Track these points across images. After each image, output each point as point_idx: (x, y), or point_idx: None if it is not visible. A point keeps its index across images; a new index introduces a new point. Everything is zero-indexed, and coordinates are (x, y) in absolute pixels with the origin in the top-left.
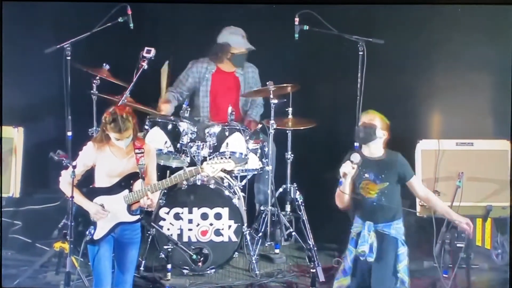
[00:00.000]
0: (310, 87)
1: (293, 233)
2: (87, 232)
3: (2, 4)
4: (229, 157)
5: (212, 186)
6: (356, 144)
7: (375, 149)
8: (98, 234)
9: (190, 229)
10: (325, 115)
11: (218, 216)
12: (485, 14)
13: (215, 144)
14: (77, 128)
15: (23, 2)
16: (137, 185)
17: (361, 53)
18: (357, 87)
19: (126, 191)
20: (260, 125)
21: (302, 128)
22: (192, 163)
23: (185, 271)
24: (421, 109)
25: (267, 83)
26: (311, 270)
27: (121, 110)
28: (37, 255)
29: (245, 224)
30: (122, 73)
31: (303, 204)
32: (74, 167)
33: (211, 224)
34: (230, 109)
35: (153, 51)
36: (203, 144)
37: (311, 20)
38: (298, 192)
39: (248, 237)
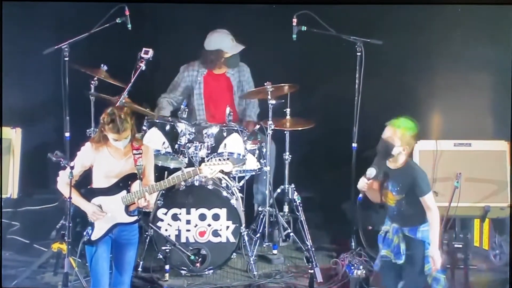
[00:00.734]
0: (308, 88)
1: (291, 234)
2: (84, 233)
3: (2, 4)
4: (227, 159)
5: (210, 187)
6: (354, 145)
7: (394, 159)
8: (95, 235)
9: (188, 230)
10: (323, 115)
11: (216, 217)
12: (485, 14)
13: (213, 145)
14: (75, 129)
15: (23, 2)
16: (135, 186)
17: (359, 53)
18: (355, 87)
19: (124, 192)
20: (258, 126)
21: (300, 128)
22: (190, 164)
23: (183, 272)
24: (419, 110)
25: (265, 83)
26: (309, 271)
27: (119, 110)
28: (35, 256)
29: (243, 225)
30: (120, 74)
31: (301, 204)
32: (72, 167)
33: (209, 225)
34: (228, 109)
35: (151, 51)
36: (201, 145)
37: (309, 21)
38: (296, 193)
39: (246, 238)
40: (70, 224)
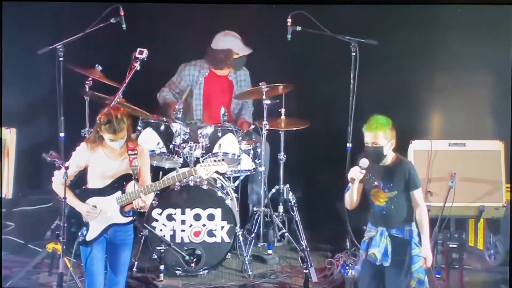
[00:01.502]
0: (302, 88)
1: (286, 234)
2: (79, 233)
3: (2, 4)
4: (223, 160)
5: (205, 187)
6: (348, 145)
7: (386, 157)
8: (90, 235)
9: (183, 230)
10: (318, 115)
11: (211, 217)
12: (485, 14)
13: (208, 145)
14: (69, 129)
15: (21, 2)
16: (130, 186)
17: (354, 53)
18: (349, 87)
19: (119, 193)
20: (252, 126)
21: (295, 128)
22: (185, 164)
23: (178, 272)
24: (414, 110)
25: (260, 83)
26: (304, 271)
27: (115, 111)
28: (30, 256)
29: (238, 225)
30: (114, 74)
31: (296, 205)
32: (67, 168)
33: (204, 225)
34: (222, 110)
35: (145, 52)
36: (195, 145)
37: (304, 21)
38: (291, 193)
39: (241, 238)
40: (65, 224)
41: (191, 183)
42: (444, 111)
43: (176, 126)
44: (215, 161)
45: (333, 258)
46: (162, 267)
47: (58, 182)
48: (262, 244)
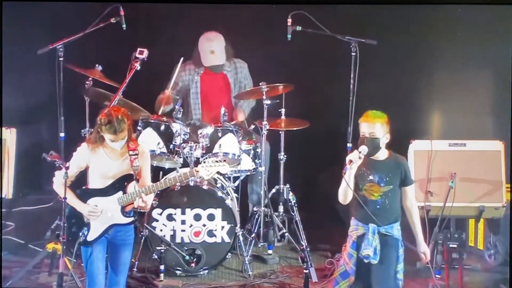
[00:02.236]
0: (303, 88)
1: (286, 234)
2: (80, 234)
3: (2, 4)
4: (224, 160)
5: (205, 187)
6: (349, 145)
7: (380, 151)
8: (91, 236)
9: (183, 230)
10: (318, 115)
11: (211, 217)
12: (485, 14)
13: (208, 145)
14: (69, 129)
15: (20, 2)
16: (131, 186)
17: (354, 53)
18: (349, 87)
19: (120, 193)
20: (253, 126)
21: (295, 128)
22: (185, 164)
23: (178, 272)
24: (414, 110)
25: (260, 83)
26: (304, 271)
27: (116, 111)
28: (30, 256)
29: (238, 225)
30: (114, 74)
31: (296, 205)
32: (67, 168)
33: (204, 225)
34: (223, 110)
35: (145, 52)
36: (196, 145)
37: (304, 21)
38: (291, 193)
39: (241, 238)
40: (65, 224)
41: (191, 183)
42: (444, 111)
43: (176, 126)
44: (216, 161)
45: (333, 258)
46: (162, 267)
47: (59, 183)
48: (262, 244)
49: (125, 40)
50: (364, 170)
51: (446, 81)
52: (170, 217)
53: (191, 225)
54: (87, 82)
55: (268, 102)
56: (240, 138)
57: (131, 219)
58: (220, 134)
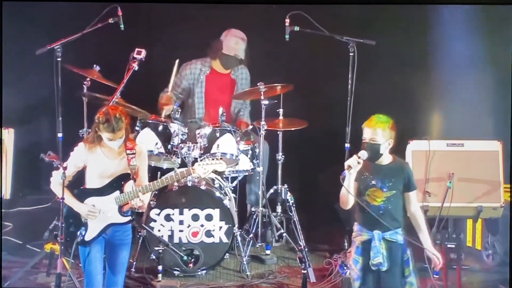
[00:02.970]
0: (301, 88)
1: (284, 234)
2: (78, 233)
3: (2, 4)
4: (221, 158)
5: (203, 187)
6: (347, 145)
7: (383, 156)
8: (89, 236)
9: (181, 230)
10: (316, 116)
11: (209, 217)
12: (485, 14)
13: (206, 145)
14: (67, 130)
15: (23, 2)
16: (128, 186)
17: (352, 54)
18: (348, 88)
19: (117, 192)
20: (251, 126)
21: (293, 129)
22: (183, 164)
23: (176, 272)
24: (412, 110)
25: (258, 84)
26: (302, 271)
27: (114, 110)
28: (28, 257)
29: (236, 225)
30: (112, 74)
31: (294, 205)
32: (65, 168)
33: (202, 225)
34: (221, 110)
35: (143, 52)
36: (193, 145)
37: (302, 21)
38: (289, 193)
39: (239, 238)
40: (63, 225)
41: (189, 184)
42: (443, 111)
43: (174, 127)
44: (213, 159)
45: (331, 259)
46: (160, 267)
47: (56, 183)
48: (260, 244)
49: (123, 40)
50: (367, 175)
51: (445, 81)
52: (168, 218)
53: (189, 226)
54: (85, 83)
55: (266, 102)
56: (238, 139)
57: (129, 218)
58: (218, 135)
